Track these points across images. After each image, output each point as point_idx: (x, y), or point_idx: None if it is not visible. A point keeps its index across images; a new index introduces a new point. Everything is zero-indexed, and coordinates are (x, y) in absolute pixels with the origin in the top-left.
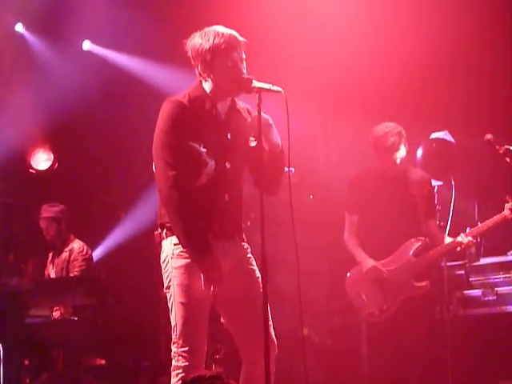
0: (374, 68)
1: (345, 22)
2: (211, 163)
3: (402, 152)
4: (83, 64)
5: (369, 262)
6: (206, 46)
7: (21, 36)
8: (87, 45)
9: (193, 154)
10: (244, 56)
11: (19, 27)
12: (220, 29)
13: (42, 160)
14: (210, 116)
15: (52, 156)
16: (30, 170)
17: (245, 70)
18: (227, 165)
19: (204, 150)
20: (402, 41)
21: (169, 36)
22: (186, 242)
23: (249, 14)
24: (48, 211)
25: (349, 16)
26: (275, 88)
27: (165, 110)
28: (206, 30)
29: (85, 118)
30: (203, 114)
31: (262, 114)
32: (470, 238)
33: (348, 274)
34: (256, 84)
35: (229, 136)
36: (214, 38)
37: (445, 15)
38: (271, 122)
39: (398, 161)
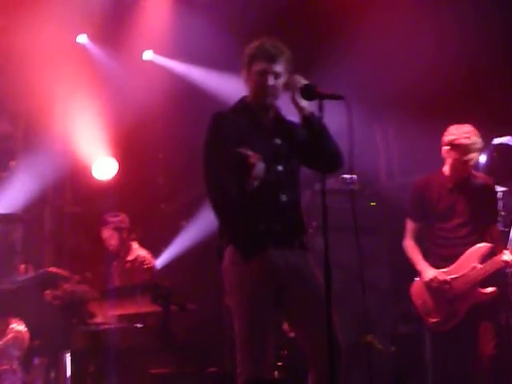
0: (436, 74)
1: (406, 28)
2: (261, 165)
3: (476, 155)
4: (144, 74)
5: (429, 273)
6: (247, 54)
7: (83, 47)
8: (148, 55)
9: (240, 158)
10: (281, 70)
11: (81, 38)
12: (262, 39)
13: (105, 169)
14: (254, 124)
15: (116, 165)
16: (95, 179)
17: (277, 84)
18: (280, 168)
19: (251, 153)
20: (464, 45)
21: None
22: (242, 245)
23: (307, 21)
24: (110, 221)
25: (409, 21)
26: (337, 95)
27: (209, 125)
28: (255, 40)
29: (147, 128)
30: (247, 122)
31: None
32: None
33: (413, 282)
34: (317, 91)
35: (277, 141)
36: (253, 48)
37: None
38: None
39: (472, 163)
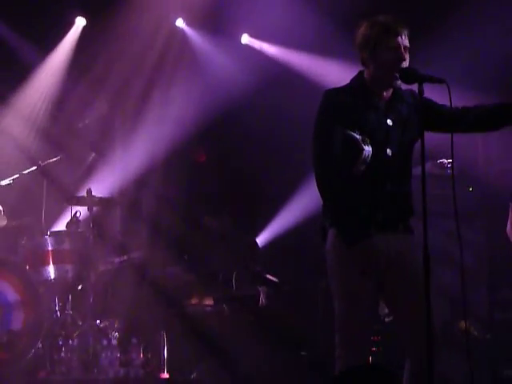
0: None
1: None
2: (368, 149)
3: None
4: (242, 57)
5: None
6: (368, 33)
7: (181, 31)
8: (245, 38)
9: (349, 141)
10: (407, 44)
11: (180, 22)
12: (383, 17)
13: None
14: (368, 104)
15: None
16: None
17: (407, 59)
18: (388, 151)
19: (359, 136)
20: None
21: (327, 29)
22: (344, 230)
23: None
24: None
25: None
26: (438, 78)
27: (322, 101)
28: (372, 18)
29: (243, 111)
30: (361, 102)
31: None
32: None
33: None
34: (419, 73)
35: (390, 122)
36: (376, 26)
37: None
38: None
39: None
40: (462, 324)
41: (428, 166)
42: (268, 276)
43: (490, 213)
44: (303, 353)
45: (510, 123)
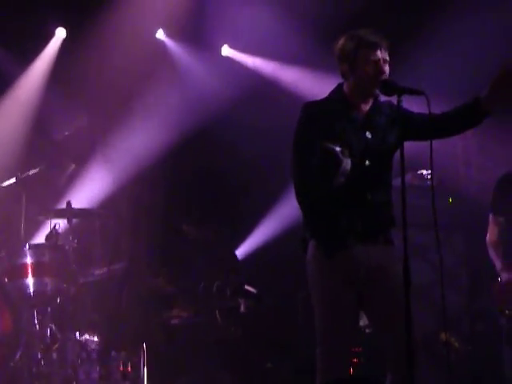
0: None
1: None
2: (347, 161)
3: None
4: (222, 69)
5: (504, 277)
6: (349, 46)
7: (162, 43)
8: (226, 50)
9: (328, 153)
10: (387, 58)
11: (160, 34)
12: (363, 30)
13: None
14: (347, 116)
15: None
16: None
17: (387, 71)
18: (367, 163)
19: (339, 148)
20: None
21: (308, 40)
22: (324, 242)
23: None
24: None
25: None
26: (417, 90)
27: (301, 113)
28: (351, 31)
29: (225, 123)
30: (340, 114)
31: None
32: None
33: (499, 279)
34: (398, 85)
35: (368, 135)
36: (356, 39)
37: None
38: None
39: None
40: (443, 336)
41: (408, 177)
42: (249, 288)
43: (469, 224)
44: (269, 365)
45: (484, 117)
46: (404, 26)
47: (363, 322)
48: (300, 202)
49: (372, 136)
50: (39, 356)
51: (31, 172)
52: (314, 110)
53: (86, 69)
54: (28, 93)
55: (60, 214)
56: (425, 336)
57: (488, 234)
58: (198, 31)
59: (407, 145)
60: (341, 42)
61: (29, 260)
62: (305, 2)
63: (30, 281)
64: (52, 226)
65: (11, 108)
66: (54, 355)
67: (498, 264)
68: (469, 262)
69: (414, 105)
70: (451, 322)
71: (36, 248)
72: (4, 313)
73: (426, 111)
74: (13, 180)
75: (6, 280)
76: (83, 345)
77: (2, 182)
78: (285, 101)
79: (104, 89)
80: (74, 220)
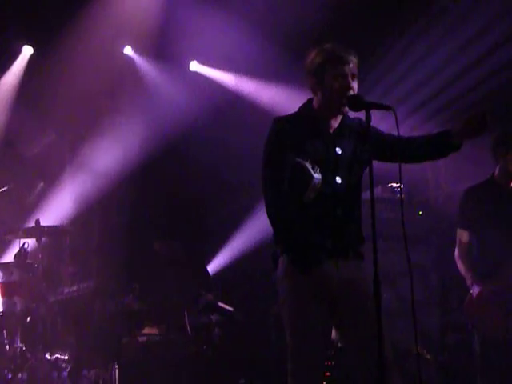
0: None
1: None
2: (317, 177)
3: None
4: (190, 84)
5: (475, 290)
6: (317, 61)
7: (130, 59)
8: (194, 65)
9: (298, 169)
10: (356, 72)
11: (128, 50)
12: (332, 45)
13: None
14: (316, 132)
15: None
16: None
17: (355, 86)
18: (338, 179)
19: (309, 165)
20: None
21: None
22: (298, 257)
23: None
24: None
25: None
26: (385, 105)
27: (270, 128)
28: (321, 46)
29: (192, 137)
30: (309, 130)
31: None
32: None
33: (471, 292)
34: (365, 101)
35: (338, 151)
36: (324, 54)
37: None
38: None
39: None
40: (415, 348)
41: (378, 190)
42: (220, 304)
43: (438, 237)
44: (242, 381)
45: (452, 151)
46: (373, 41)
47: (335, 335)
48: (271, 218)
49: (342, 152)
50: (9, 376)
51: None
52: (284, 124)
53: (54, 85)
54: None
55: (29, 232)
56: (397, 349)
57: (456, 248)
58: (166, 47)
59: None
60: (310, 56)
61: None
62: (273, 18)
63: None
64: (21, 244)
65: None
66: (25, 375)
67: (468, 278)
68: (439, 273)
69: (380, 120)
70: (422, 333)
71: (4, 267)
72: None
73: (394, 126)
74: None
75: None
76: (54, 364)
77: None
78: (254, 115)
79: (72, 106)
80: (43, 238)
